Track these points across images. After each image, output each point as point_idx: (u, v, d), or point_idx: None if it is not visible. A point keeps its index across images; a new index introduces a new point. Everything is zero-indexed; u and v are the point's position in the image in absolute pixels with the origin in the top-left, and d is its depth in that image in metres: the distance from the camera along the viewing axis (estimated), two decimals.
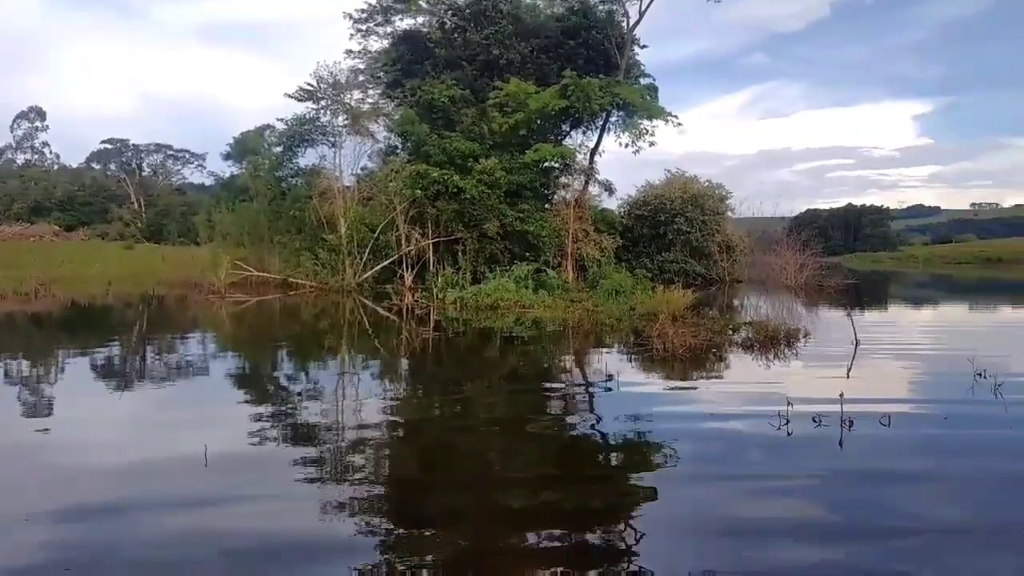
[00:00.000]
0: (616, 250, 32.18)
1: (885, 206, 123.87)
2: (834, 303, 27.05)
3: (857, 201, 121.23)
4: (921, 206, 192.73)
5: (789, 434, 7.58)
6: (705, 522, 5.55)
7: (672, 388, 11.01)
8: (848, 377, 11.49)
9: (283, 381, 12.33)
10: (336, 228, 31.62)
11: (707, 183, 38.16)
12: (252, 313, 25.48)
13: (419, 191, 28.33)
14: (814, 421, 7.93)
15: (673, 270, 34.01)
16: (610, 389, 10.61)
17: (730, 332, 15.86)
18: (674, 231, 35.46)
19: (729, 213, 39.17)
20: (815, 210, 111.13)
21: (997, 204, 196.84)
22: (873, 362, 13.02)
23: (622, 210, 37.48)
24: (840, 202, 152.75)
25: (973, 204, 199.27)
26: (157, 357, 15.34)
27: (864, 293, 34.79)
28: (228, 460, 7.10)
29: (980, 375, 10.54)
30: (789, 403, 7.91)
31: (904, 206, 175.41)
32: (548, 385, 11.92)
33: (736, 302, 28.32)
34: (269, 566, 4.92)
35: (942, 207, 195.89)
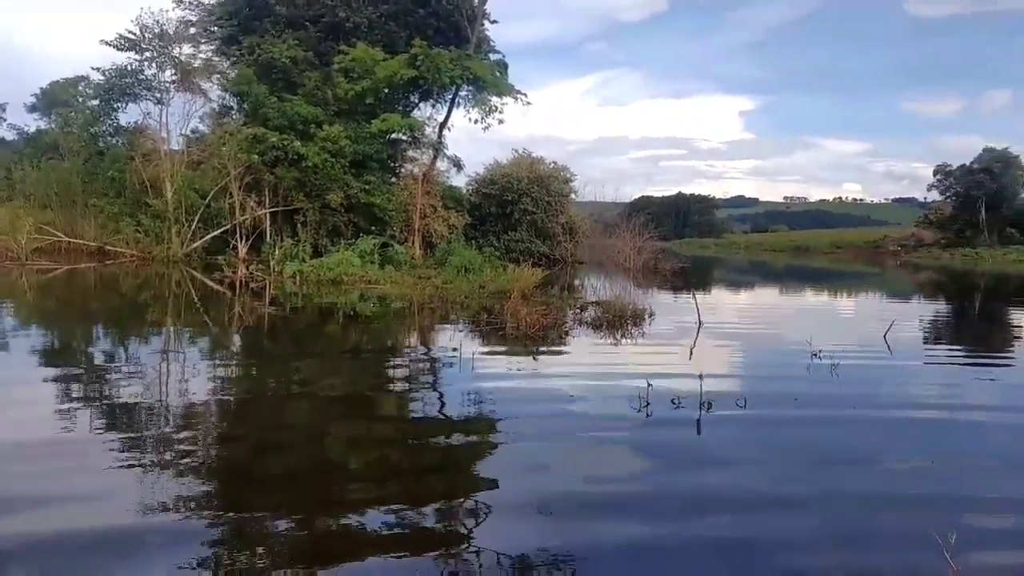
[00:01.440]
0: (463, 228, 31.92)
1: (711, 196, 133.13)
2: (669, 285, 28.29)
3: (687, 190, 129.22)
4: (742, 197, 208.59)
5: (648, 416, 7.51)
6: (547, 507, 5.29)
7: (524, 367, 10.74)
8: (691, 357, 11.81)
9: (98, 358, 10.88)
10: (162, 193, 29.09)
11: (552, 165, 38.79)
12: (62, 283, 22.82)
13: (255, 156, 26.51)
14: (673, 403, 7.89)
15: (519, 249, 34.30)
16: (456, 367, 10.12)
17: (578, 311, 15.98)
18: (520, 211, 35.79)
19: (573, 196, 40.06)
20: (648, 197, 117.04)
21: (805, 198, 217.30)
22: (715, 342, 13.50)
23: (470, 188, 37.35)
24: (671, 190, 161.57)
25: (786, 197, 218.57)
26: None
27: (694, 276, 36.70)
28: (34, 448, 6.17)
29: (816, 356, 11.12)
30: (649, 384, 7.81)
31: (727, 196, 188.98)
32: (393, 362, 11.34)
33: (579, 282, 28.90)
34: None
35: (760, 198, 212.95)
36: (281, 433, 7.13)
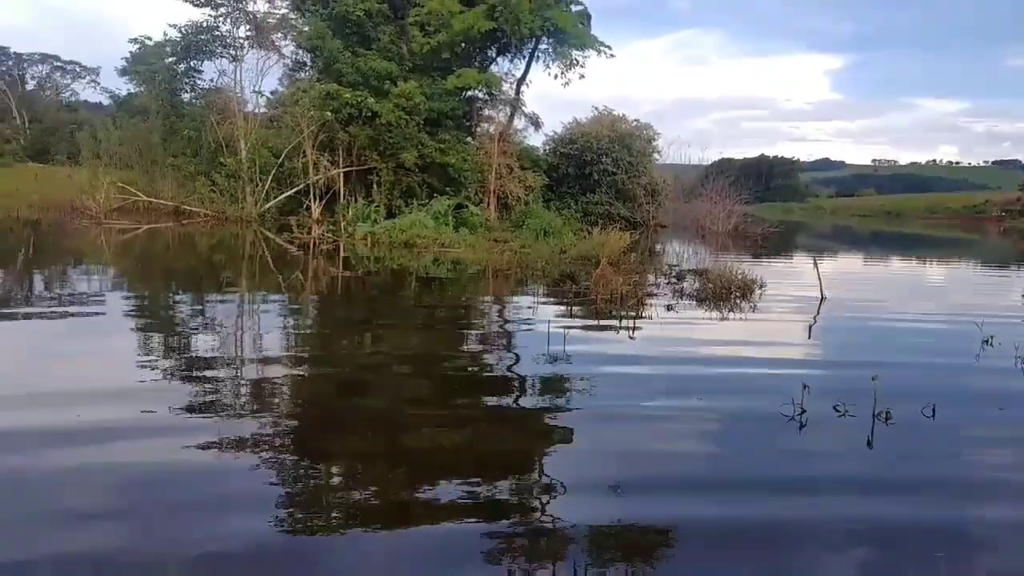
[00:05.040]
0: (539, 190, 30.49)
1: (795, 158, 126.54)
2: (763, 251, 26.34)
3: (769, 152, 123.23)
4: (827, 159, 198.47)
5: (803, 426, 5.90)
6: None
7: (626, 350, 9.10)
8: (809, 336, 10.26)
9: (179, 316, 10.87)
10: (236, 152, 28.60)
11: (635, 123, 36.67)
12: (139, 242, 22.57)
13: (329, 113, 25.61)
14: (836, 410, 6.20)
15: (598, 212, 32.62)
16: (544, 345, 8.59)
17: (674, 280, 14.47)
18: (600, 171, 33.99)
19: (656, 156, 37.94)
20: (729, 159, 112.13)
21: (895, 161, 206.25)
22: (845, 321, 11.79)
23: (547, 147, 35.69)
24: (752, 152, 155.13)
25: (874, 160, 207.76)
26: (38, 288, 12.92)
27: (788, 242, 34.42)
28: (115, 397, 6.21)
29: (987, 343, 9.29)
30: (805, 387, 6.08)
31: (812, 159, 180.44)
32: (476, 335, 10.16)
33: (662, 247, 27.24)
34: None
35: (846, 161, 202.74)
36: (350, 402, 6.75)
